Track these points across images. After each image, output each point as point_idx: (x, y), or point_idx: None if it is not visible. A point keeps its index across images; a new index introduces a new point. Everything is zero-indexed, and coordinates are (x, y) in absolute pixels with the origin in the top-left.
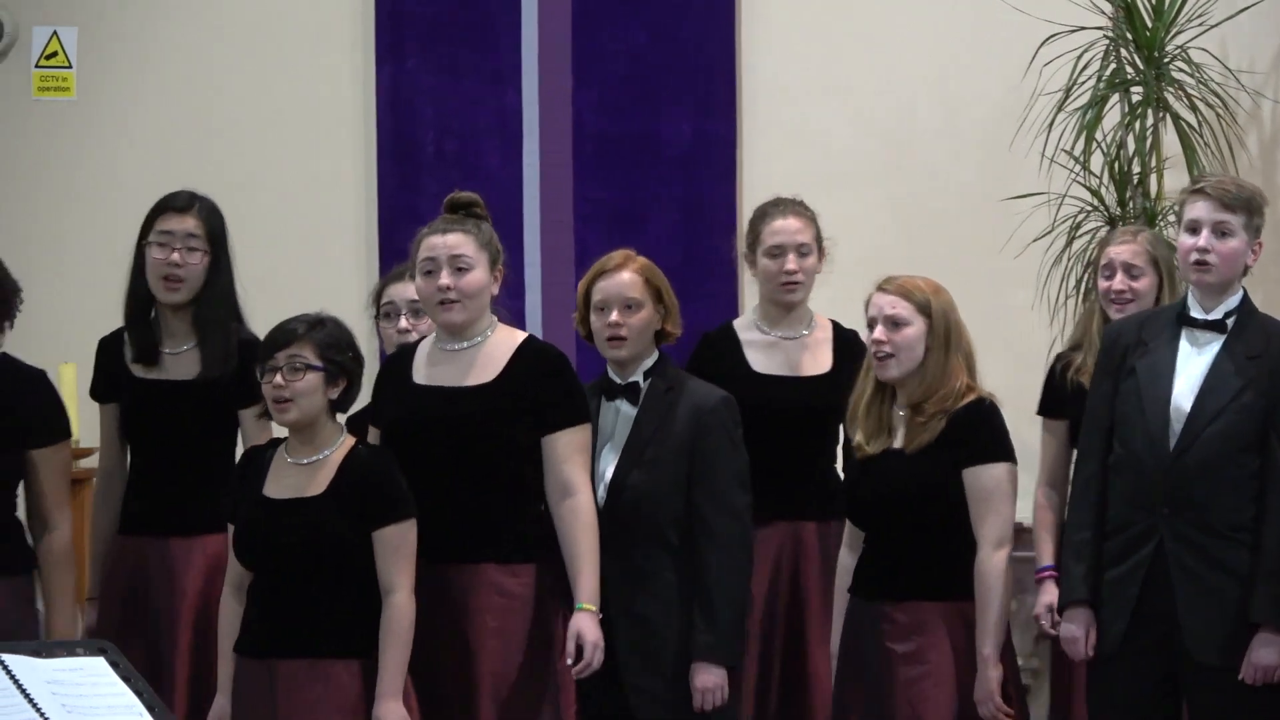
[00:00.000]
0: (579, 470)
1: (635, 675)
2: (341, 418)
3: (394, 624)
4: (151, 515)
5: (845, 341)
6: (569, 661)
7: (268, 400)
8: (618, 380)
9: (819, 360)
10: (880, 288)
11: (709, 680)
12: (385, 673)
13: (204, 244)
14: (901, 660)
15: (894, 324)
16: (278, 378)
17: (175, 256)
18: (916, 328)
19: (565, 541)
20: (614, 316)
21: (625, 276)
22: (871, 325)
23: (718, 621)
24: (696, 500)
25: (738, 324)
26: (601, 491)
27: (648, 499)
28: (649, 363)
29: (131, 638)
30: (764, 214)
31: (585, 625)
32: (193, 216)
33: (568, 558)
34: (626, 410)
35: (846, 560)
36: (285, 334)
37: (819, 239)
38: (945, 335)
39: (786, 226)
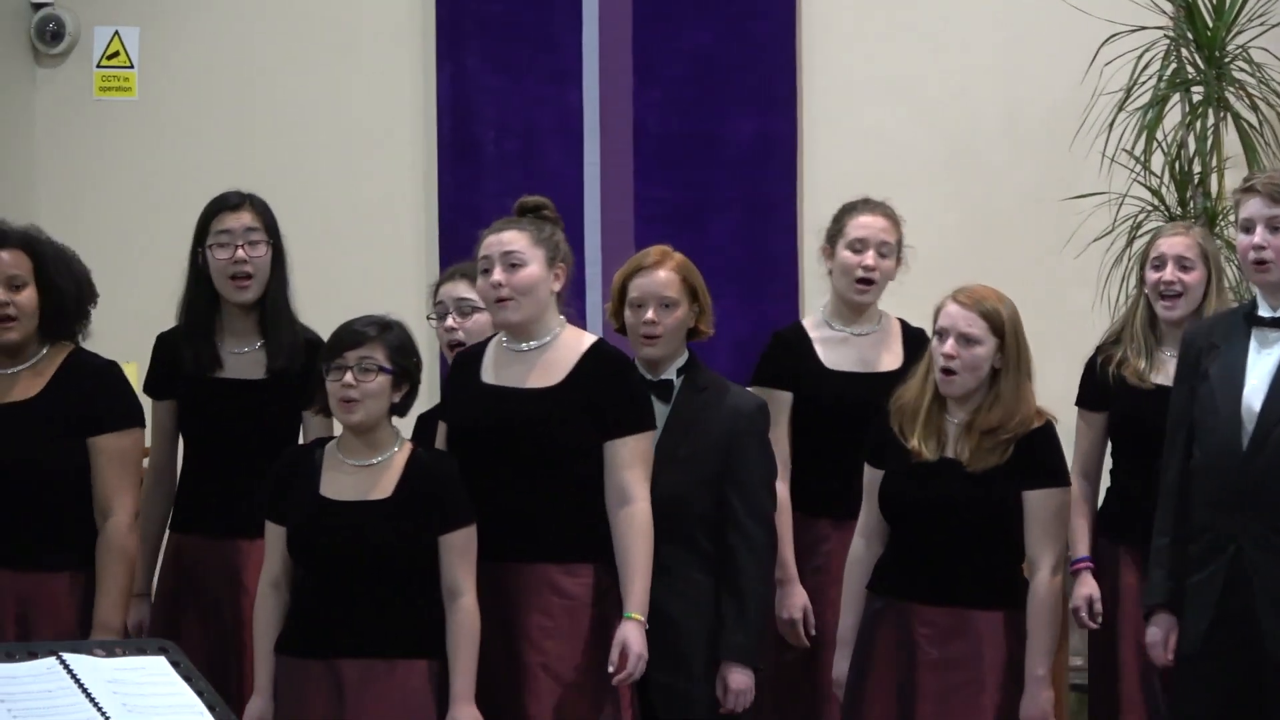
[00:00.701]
0: (639, 479)
1: (659, 673)
2: (399, 421)
3: (464, 627)
4: (211, 514)
5: (913, 339)
6: (610, 669)
7: (332, 399)
8: (649, 377)
9: (890, 356)
10: (955, 300)
11: (743, 682)
12: (459, 676)
13: (263, 235)
14: (940, 665)
15: (966, 341)
16: (348, 377)
17: (240, 253)
18: (987, 348)
19: (619, 549)
20: (650, 314)
21: (662, 275)
22: (941, 335)
23: (750, 624)
24: (730, 504)
25: (807, 322)
26: None
27: (678, 499)
28: (681, 361)
29: (185, 636)
30: (851, 208)
31: (632, 635)
32: (247, 211)
33: (620, 565)
34: (657, 408)
35: (862, 552)
36: (355, 335)
37: (900, 246)
38: (1017, 357)
39: (873, 223)
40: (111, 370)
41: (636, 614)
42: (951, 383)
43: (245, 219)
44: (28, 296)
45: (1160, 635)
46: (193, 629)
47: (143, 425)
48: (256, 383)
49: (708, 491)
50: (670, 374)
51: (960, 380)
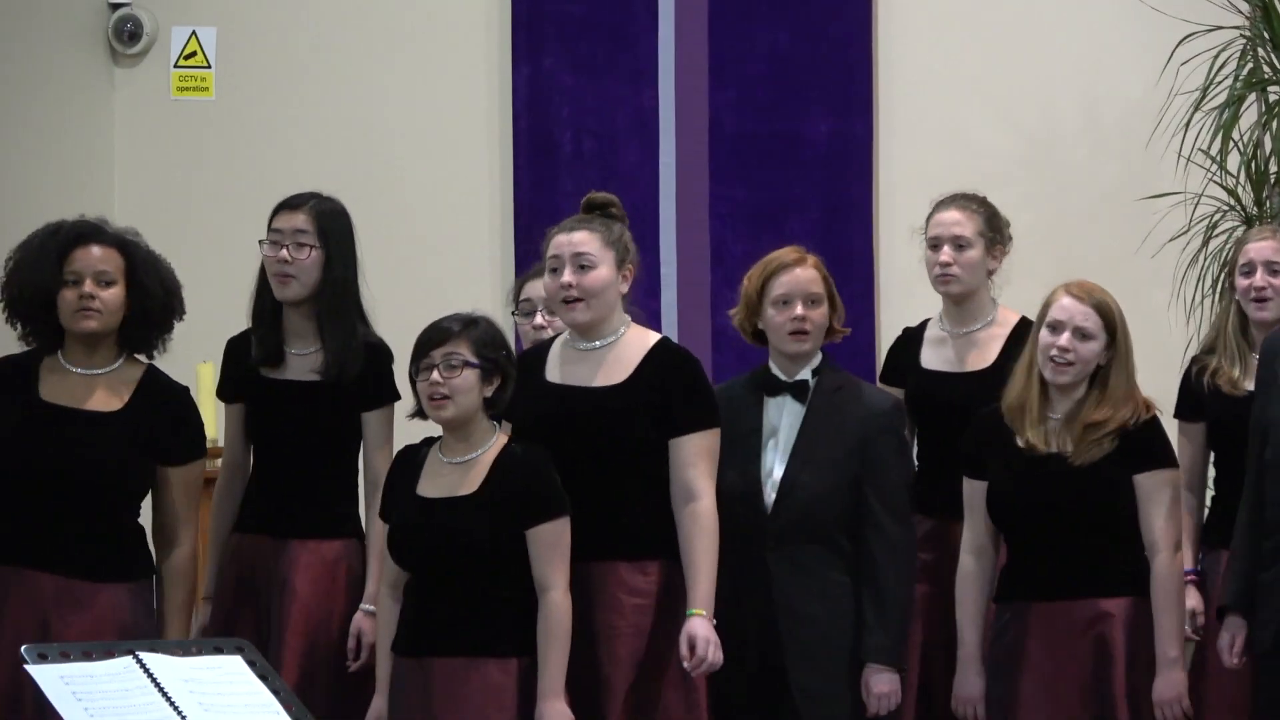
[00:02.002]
0: (703, 476)
1: (803, 675)
2: None
3: (553, 622)
4: (269, 516)
5: (1020, 337)
6: (685, 664)
7: (422, 398)
8: (783, 377)
9: (984, 355)
10: (1070, 293)
11: (885, 685)
12: (547, 671)
13: (313, 239)
14: (1079, 656)
15: (1082, 335)
16: (434, 374)
17: (284, 253)
18: (1099, 343)
19: (684, 546)
20: (800, 310)
21: (808, 271)
22: (1055, 328)
23: (892, 625)
24: (870, 503)
25: (931, 320)
26: (770, 491)
27: (818, 499)
28: (815, 362)
29: (238, 635)
30: (934, 206)
31: (697, 627)
32: (303, 213)
33: (685, 563)
34: (792, 407)
35: (972, 567)
36: (440, 332)
37: (986, 233)
38: (1126, 352)
39: (945, 218)
40: (187, 397)
41: (701, 610)
42: (1064, 372)
43: (298, 220)
44: (113, 294)
45: (1227, 638)
46: (245, 628)
47: (206, 455)
48: (312, 385)
49: (847, 491)
50: (805, 374)
51: (1074, 371)
